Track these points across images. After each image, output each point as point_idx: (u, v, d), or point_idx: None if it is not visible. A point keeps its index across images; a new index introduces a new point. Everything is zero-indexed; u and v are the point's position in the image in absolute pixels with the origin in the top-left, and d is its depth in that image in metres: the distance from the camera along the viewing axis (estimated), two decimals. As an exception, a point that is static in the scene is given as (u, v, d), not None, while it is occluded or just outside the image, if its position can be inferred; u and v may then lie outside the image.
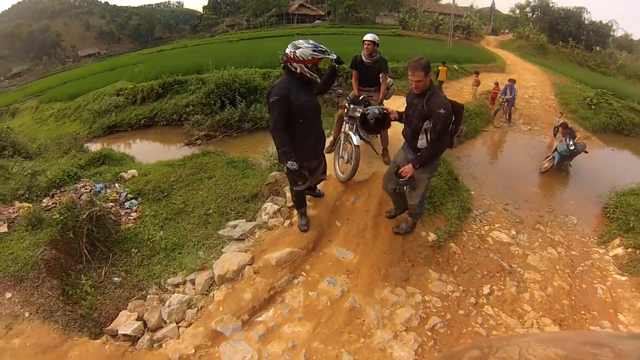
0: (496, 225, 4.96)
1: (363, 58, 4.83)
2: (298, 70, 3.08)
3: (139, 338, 3.03)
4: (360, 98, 4.62)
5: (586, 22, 34.80)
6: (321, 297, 3.14)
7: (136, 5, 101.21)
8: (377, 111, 3.53)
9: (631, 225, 5.10)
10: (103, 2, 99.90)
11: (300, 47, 2.99)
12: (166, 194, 5.71)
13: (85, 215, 4.26)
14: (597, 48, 34.06)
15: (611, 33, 35.98)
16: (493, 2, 58.91)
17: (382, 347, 2.76)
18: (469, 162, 7.71)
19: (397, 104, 8.73)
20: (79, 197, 5.12)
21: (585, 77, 19.36)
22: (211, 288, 3.38)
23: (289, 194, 4.48)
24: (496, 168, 7.83)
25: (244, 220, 4.44)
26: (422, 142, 3.17)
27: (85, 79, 22.73)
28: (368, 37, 4.74)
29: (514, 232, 4.88)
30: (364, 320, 2.96)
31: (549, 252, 4.56)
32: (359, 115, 4.44)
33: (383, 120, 3.55)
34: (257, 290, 3.17)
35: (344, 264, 3.52)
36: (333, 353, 2.69)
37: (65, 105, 15.86)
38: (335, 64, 3.28)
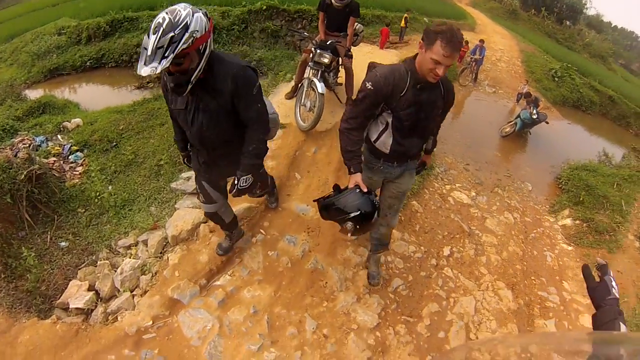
0: (457, 185, 5.01)
1: (333, 1, 4.41)
2: None
3: (92, 310, 2.78)
4: (328, 43, 4.30)
5: (562, -5, 34.84)
6: (281, 258, 3.00)
7: None
8: (371, 205, 1.94)
9: (581, 199, 5.43)
10: None
11: None
12: (115, 144, 5.23)
13: (23, 176, 3.78)
14: (568, 22, 34.48)
15: (584, 10, 36.39)
16: (471, -42, 57.20)
17: (345, 311, 2.71)
18: (432, 118, 7.71)
19: (363, 51, 8.57)
20: (16, 155, 4.54)
21: (552, 48, 19.75)
22: (165, 250, 3.12)
23: None
24: (459, 127, 7.85)
25: None
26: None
27: (23, 17, 19.84)
28: None
29: (474, 194, 4.96)
30: (326, 282, 2.88)
31: (505, 216, 4.71)
32: (326, 61, 4.17)
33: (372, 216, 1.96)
34: (214, 251, 2.96)
35: (305, 221, 3.37)
36: (296, 318, 2.61)
37: (0, 48, 13.88)
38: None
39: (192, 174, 4.09)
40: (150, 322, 2.53)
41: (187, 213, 3.27)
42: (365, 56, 8.05)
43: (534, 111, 7.61)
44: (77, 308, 2.79)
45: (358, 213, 1.88)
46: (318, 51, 4.19)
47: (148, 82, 8.90)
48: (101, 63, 10.43)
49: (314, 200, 2.17)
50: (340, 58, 4.61)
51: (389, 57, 8.73)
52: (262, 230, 3.22)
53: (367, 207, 1.90)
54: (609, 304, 0.94)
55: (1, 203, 3.59)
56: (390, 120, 2.03)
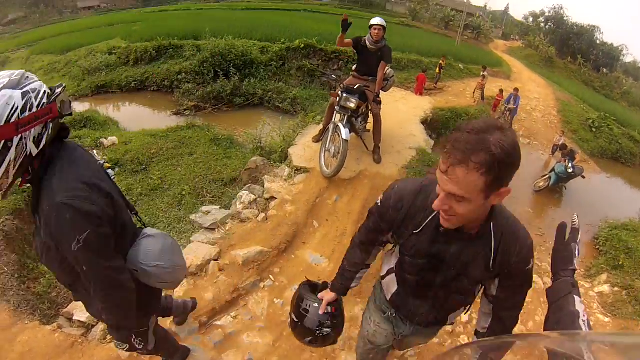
0: (481, 246, 4.77)
1: (367, 43, 4.38)
2: None
3: (93, 327, 2.76)
4: (355, 87, 4.26)
5: (598, 42, 34.49)
6: (286, 307, 2.88)
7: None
8: (309, 332, 1.62)
9: (620, 262, 5.00)
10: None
11: None
12: (144, 166, 5.45)
13: None
14: (605, 70, 33.94)
15: (621, 57, 35.74)
16: (507, 5, 58.27)
17: (346, 372, 2.53)
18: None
19: (396, 97, 8.51)
20: None
21: (590, 97, 19.24)
22: None
23: (267, 184, 4.17)
24: None
25: (218, 207, 4.15)
26: (483, 323, 1.35)
27: (80, 33, 21.82)
28: (377, 21, 4.31)
29: (501, 255, 4.68)
30: (330, 338, 2.72)
31: (534, 281, 4.37)
32: (352, 105, 4.10)
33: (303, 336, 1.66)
34: (220, 290, 2.89)
35: (316, 271, 3.24)
36: (292, 373, 2.46)
37: (56, 59, 15.24)
38: None
39: (212, 207, 4.10)
40: (145, 350, 2.48)
41: (199, 247, 3.25)
42: (399, 102, 8.02)
43: (570, 164, 7.27)
44: (79, 321, 2.79)
45: (297, 322, 1.64)
46: (345, 95, 4.14)
47: (185, 110, 9.31)
48: (144, 85, 11.08)
49: (306, 278, 1.88)
50: (368, 103, 4.52)
51: (421, 103, 8.67)
52: (271, 276, 3.14)
53: (309, 326, 1.60)
54: (566, 275, 0.92)
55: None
56: (395, 262, 1.37)
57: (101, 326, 2.73)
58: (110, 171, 5.05)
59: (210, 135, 6.17)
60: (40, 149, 1.14)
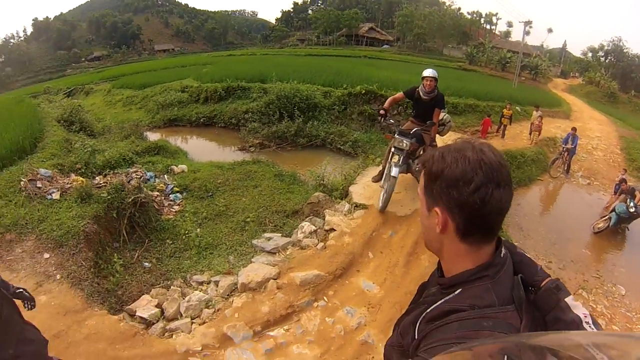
0: (533, 286, 4.70)
1: (421, 94, 4.67)
2: None
3: (153, 323, 3.24)
4: (412, 131, 4.56)
5: (663, 71, 31.63)
6: (336, 325, 3.18)
7: (213, 10, 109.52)
8: None
9: None
10: (183, 3, 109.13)
11: None
12: (210, 194, 6.06)
13: (130, 199, 4.65)
14: (676, 100, 30.80)
15: None
16: (565, 42, 55.99)
17: (388, 390, 2.71)
18: (518, 211, 7.34)
19: (453, 140, 8.39)
20: (129, 181, 5.57)
21: (661, 132, 17.58)
22: (232, 293, 3.52)
23: (328, 217, 4.58)
24: (545, 221, 7.38)
25: (280, 234, 4.60)
26: None
27: (156, 72, 24.26)
28: (429, 72, 4.57)
29: (552, 296, 4.58)
30: (373, 357, 2.94)
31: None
32: (404, 146, 4.41)
33: None
34: (276, 305, 3.27)
35: (367, 297, 3.53)
36: (336, 385, 2.70)
37: (134, 93, 17.17)
38: None
39: (273, 234, 4.54)
40: (200, 348, 2.84)
41: (260, 267, 3.70)
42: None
43: (631, 204, 6.84)
44: (141, 317, 3.28)
45: None
46: (397, 137, 4.47)
47: (250, 146, 10.03)
48: (212, 122, 12.11)
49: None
50: (425, 147, 4.75)
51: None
52: (325, 298, 3.48)
53: None
54: (548, 284, 0.72)
55: (108, 215, 4.47)
56: None
57: (161, 324, 3.21)
58: (178, 194, 5.68)
59: (275, 171, 6.68)
60: None
